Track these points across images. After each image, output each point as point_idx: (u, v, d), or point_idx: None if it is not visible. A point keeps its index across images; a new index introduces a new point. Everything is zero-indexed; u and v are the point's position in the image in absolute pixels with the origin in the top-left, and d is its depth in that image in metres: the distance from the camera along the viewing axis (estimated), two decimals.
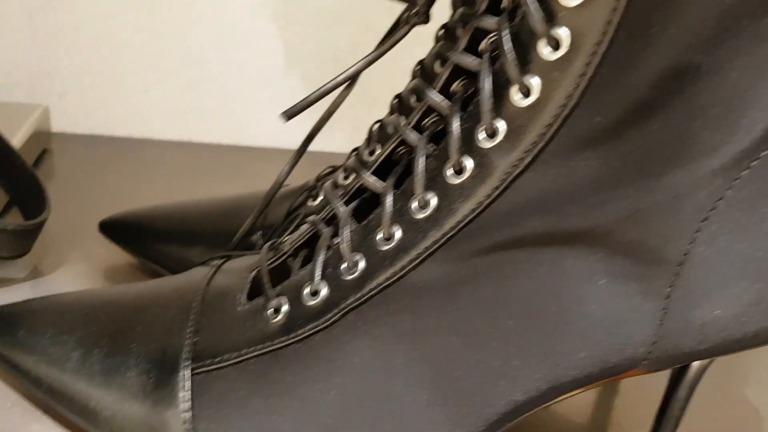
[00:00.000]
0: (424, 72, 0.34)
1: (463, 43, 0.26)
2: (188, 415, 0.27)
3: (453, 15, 0.32)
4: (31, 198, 0.41)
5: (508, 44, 0.24)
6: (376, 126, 0.36)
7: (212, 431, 0.26)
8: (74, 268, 0.41)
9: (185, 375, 0.27)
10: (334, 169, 0.38)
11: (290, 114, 0.27)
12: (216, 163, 0.56)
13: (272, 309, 0.27)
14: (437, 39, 0.34)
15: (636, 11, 0.22)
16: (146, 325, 0.29)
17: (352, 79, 0.31)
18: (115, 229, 0.40)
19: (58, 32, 0.54)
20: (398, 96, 0.36)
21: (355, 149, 0.37)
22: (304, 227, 0.30)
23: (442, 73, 0.26)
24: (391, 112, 0.35)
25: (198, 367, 0.27)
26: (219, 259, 0.33)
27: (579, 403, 0.36)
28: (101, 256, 0.42)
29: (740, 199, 0.23)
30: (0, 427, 0.30)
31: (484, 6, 0.25)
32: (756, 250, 0.24)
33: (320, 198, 0.36)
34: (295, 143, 0.60)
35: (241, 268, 0.31)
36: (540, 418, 0.35)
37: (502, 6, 0.25)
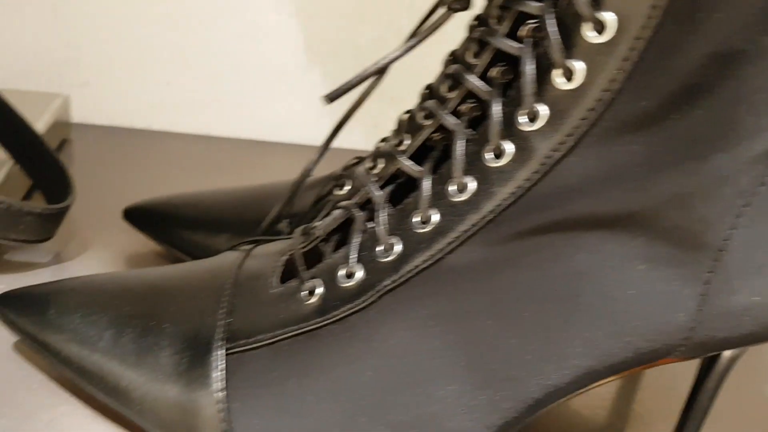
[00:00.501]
0: (456, 61, 0.34)
1: (505, 27, 0.26)
2: (222, 394, 0.27)
3: (489, 3, 0.33)
4: (54, 183, 0.41)
5: (553, 28, 0.24)
6: (406, 116, 0.36)
7: (246, 411, 0.26)
8: (96, 254, 0.41)
9: (219, 355, 0.27)
10: (360, 160, 0.38)
11: (332, 97, 0.27)
12: (233, 157, 0.56)
13: (306, 291, 0.27)
14: (470, 29, 0.34)
15: None
16: (179, 305, 0.29)
17: (386, 68, 0.31)
18: (139, 216, 0.40)
19: (82, 21, 0.54)
20: (429, 86, 0.36)
21: (383, 139, 0.37)
22: (337, 212, 0.30)
23: (483, 58, 0.26)
24: (421, 102, 0.35)
25: (232, 347, 0.27)
26: (248, 245, 0.33)
27: (600, 396, 0.36)
28: (123, 243, 0.42)
29: None
30: (26, 408, 0.30)
31: None
32: None
33: (347, 187, 0.36)
34: (314, 140, 0.60)
35: (271, 252, 0.31)
36: (561, 411, 0.35)
37: None
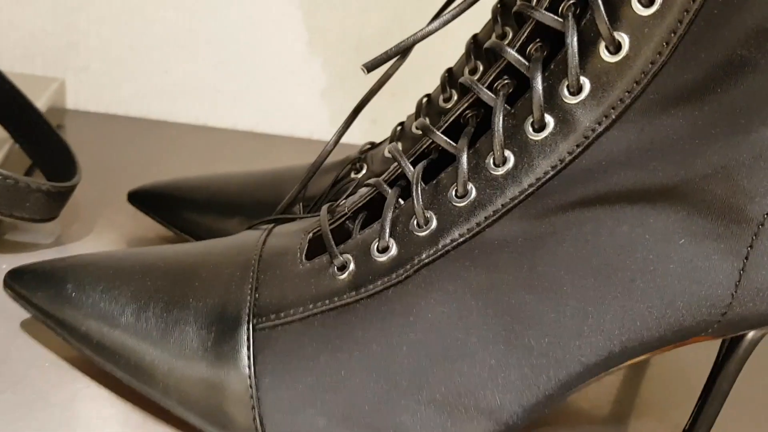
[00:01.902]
0: (476, 44, 0.34)
1: (545, 1, 0.26)
2: (251, 370, 0.26)
3: None
4: (57, 162, 0.40)
5: (599, 1, 0.24)
6: (425, 99, 0.36)
7: (276, 386, 0.26)
8: (99, 236, 0.40)
9: (248, 330, 0.26)
10: (374, 145, 0.38)
11: (370, 66, 0.26)
12: (231, 148, 0.55)
13: (337, 266, 0.27)
14: (494, 12, 0.34)
15: None
16: (203, 281, 0.28)
17: (411, 47, 0.31)
18: (145, 199, 0.40)
19: (83, 4, 0.53)
20: (449, 69, 0.36)
21: (400, 124, 0.37)
22: (363, 190, 0.30)
23: (521, 31, 0.26)
24: (442, 85, 0.35)
25: (260, 322, 0.26)
26: (267, 224, 0.32)
27: (608, 386, 0.36)
28: (126, 225, 0.41)
29: None
30: (39, 388, 0.29)
31: None
32: None
33: (363, 171, 0.36)
34: (314, 132, 0.60)
35: (294, 230, 0.30)
36: (570, 402, 0.35)
37: None
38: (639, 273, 0.25)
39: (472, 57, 0.34)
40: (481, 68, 0.34)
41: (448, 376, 0.25)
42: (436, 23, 0.28)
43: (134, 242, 0.40)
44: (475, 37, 0.35)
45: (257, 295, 0.27)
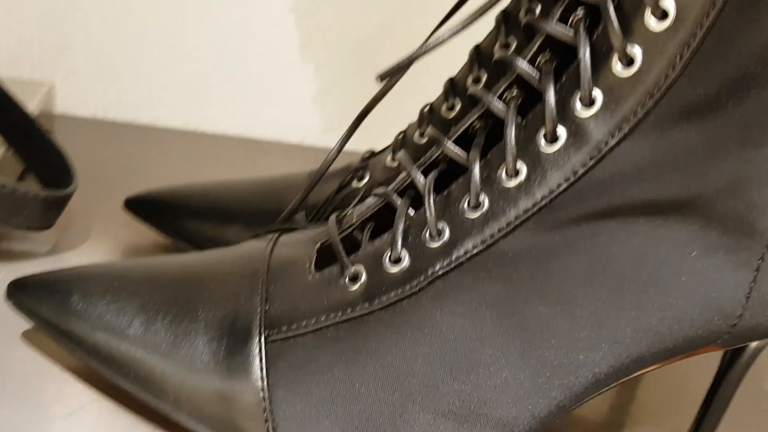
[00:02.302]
0: (479, 54, 0.34)
1: (557, 13, 0.26)
2: (264, 383, 0.26)
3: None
4: (51, 168, 0.39)
5: (612, 13, 0.24)
6: (426, 108, 0.36)
7: (289, 399, 0.25)
8: (95, 244, 0.39)
9: (260, 342, 0.26)
10: (374, 153, 0.38)
11: (384, 76, 0.26)
12: (220, 154, 0.55)
13: (348, 277, 0.27)
14: (497, 22, 0.34)
15: None
16: (212, 292, 0.28)
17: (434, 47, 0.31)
18: (142, 207, 0.39)
19: (72, 7, 0.52)
20: (451, 79, 0.36)
21: (401, 132, 0.37)
22: (370, 200, 0.30)
23: (532, 43, 0.26)
24: (445, 94, 0.35)
25: (272, 334, 0.26)
26: (272, 233, 0.32)
27: (611, 390, 0.36)
28: (121, 233, 0.41)
29: None
30: (42, 401, 0.29)
31: None
32: None
33: (365, 179, 0.36)
34: (304, 138, 0.59)
35: (301, 240, 0.30)
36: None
37: None
38: (651, 285, 0.25)
39: (476, 66, 0.34)
40: (485, 77, 0.34)
41: (462, 387, 0.25)
42: (446, 32, 0.28)
43: (131, 250, 0.40)
44: (477, 46, 0.35)
45: (267, 307, 0.27)
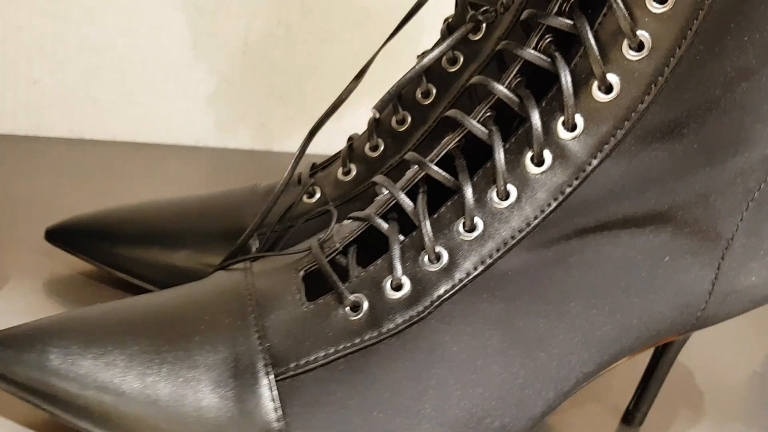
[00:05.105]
0: (429, 68, 0.35)
1: (533, 41, 0.27)
2: (281, 424, 0.25)
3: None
4: None
5: (593, 43, 0.26)
6: (374, 119, 0.36)
7: None
8: (16, 281, 0.36)
9: (269, 382, 0.26)
10: (319, 166, 0.37)
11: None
12: (111, 161, 0.52)
13: (349, 306, 0.27)
14: (442, 34, 0.35)
15: (715, 19, 0.25)
16: (204, 334, 0.27)
17: (361, 72, 0.32)
18: (66, 236, 0.36)
19: None
20: (399, 91, 0.36)
21: (350, 139, 0.37)
22: (348, 223, 0.30)
23: (510, 69, 0.28)
24: (394, 107, 0.35)
25: (281, 372, 0.26)
26: (242, 263, 0.31)
27: None
28: (41, 266, 0.37)
29: None
30: None
31: (555, 7, 0.27)
32: None
33: (317, 195, 0.36)
34: (197, 140, 0.57)
35: (279, 268, 0.30)
36: None
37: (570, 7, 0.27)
38: (632, 289, 0.27)
39: (424, 79, 0.35)
40: (434, 91, 0.34)
41: (473, 402, 0.27)
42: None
43: (56, 283, 0.37)
44: (423, 55, 0.35)
45: (268, 344, 0.27)
